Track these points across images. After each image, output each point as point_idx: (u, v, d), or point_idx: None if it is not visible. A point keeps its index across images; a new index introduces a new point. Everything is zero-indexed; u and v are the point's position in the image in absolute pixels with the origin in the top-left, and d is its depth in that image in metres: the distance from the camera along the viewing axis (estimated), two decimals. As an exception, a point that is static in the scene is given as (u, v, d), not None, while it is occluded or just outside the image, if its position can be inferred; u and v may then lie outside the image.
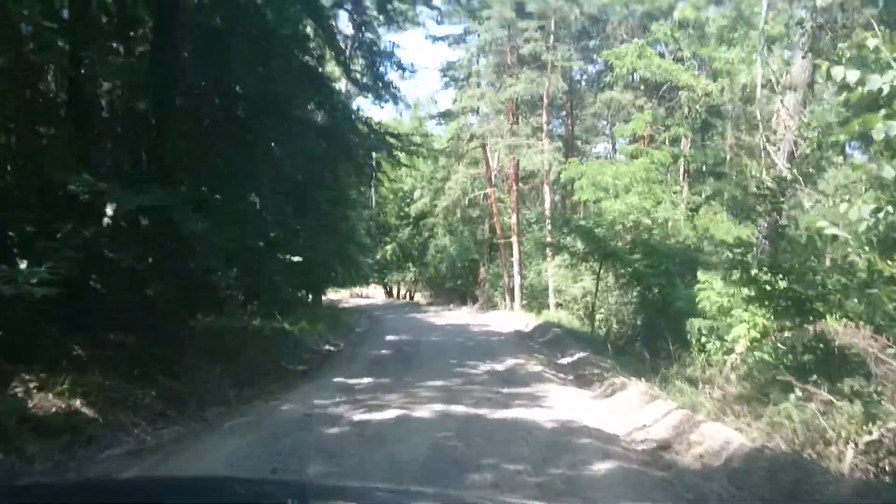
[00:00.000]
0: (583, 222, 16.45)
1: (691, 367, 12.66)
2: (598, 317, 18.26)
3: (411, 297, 43.81)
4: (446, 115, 32.63)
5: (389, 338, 17.68)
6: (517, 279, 28.02)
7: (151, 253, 8.18)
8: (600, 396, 9.32)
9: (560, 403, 8.36)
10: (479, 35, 29.36)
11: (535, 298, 27.75)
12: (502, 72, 28.96)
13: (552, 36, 27.08)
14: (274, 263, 9.91)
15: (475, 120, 31.83)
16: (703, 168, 28.16)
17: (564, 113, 34.25)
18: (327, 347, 15.63)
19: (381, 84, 14.66)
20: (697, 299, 12.87)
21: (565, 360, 13.60)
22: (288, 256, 9.60)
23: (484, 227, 34.13)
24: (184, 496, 2.32)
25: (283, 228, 10.88)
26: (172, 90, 10.42)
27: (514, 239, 28.60)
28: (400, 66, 15.23)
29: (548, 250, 25.16)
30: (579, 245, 16.47)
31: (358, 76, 14.59)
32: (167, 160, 9.95)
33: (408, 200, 39.76)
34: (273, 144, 11.54)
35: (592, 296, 17.39)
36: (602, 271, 16.49)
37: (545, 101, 28.01)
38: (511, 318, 24.38)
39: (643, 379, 9.86)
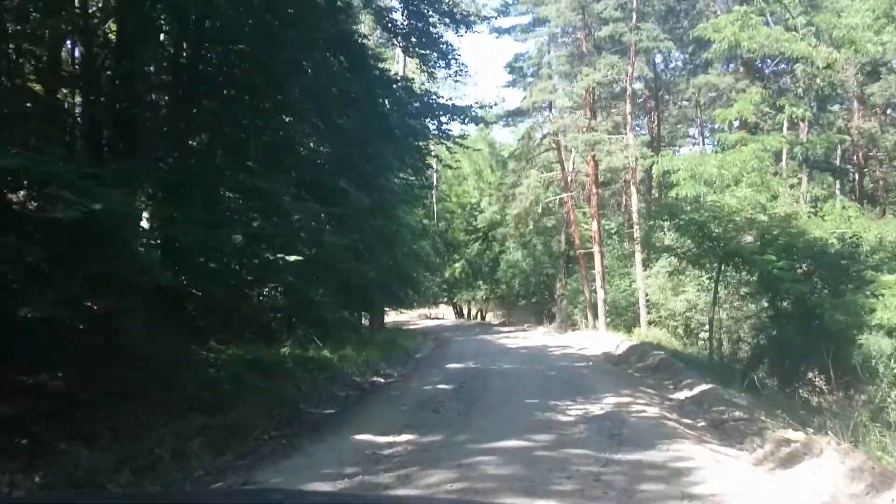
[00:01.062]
0: (694, 215, 12.91)
1: (866, 404, 9.11)
2: (705, 335, 14.91)
3: (482, 317, 41.20)
4: (515, 114, 29.34)
5: (452, 366, 14.54)
6: (600, 294, 24.35)
7: (39, 249, 5.19)
8: (770, 464, 5.87)
9: (720, 487, 4.94)
10: (548, 23, 26.07)
11: (620, 315, 24.26)
12: (576, 62, 25.68)
13: (634, 15, 23.52)
14: (255, 264, 6.92)
15: (547, 119, 28.49)
16: (810, 158, 24.02)
17: (646, 111, 30.69)
18: (373, 379, 12.60)
19: (422, 33, 11.22)
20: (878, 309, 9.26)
21: (682, 395, 10.21)
22: (280, 255, 6.58)
23: (560, 238, 30.60)
24: None
25: (278, 217, 7.72)
26: (139, 40, 7.66)
27: (595, 249, 25.01)
28: (451, 18, 11.85)
29: (636, 256, 21.64)
30: (689, 244, 12.96)
31: (394, 25, 11.28)
32: (131, 128, 7.14)
33: (475, 213, 36.99)
34: (285, 117, 8.56)
35: (708, 308, 13.89)
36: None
37: (628, 88, 24.43)
38: (596, 339, 20.86)
39: (830, 433, 6.42)
